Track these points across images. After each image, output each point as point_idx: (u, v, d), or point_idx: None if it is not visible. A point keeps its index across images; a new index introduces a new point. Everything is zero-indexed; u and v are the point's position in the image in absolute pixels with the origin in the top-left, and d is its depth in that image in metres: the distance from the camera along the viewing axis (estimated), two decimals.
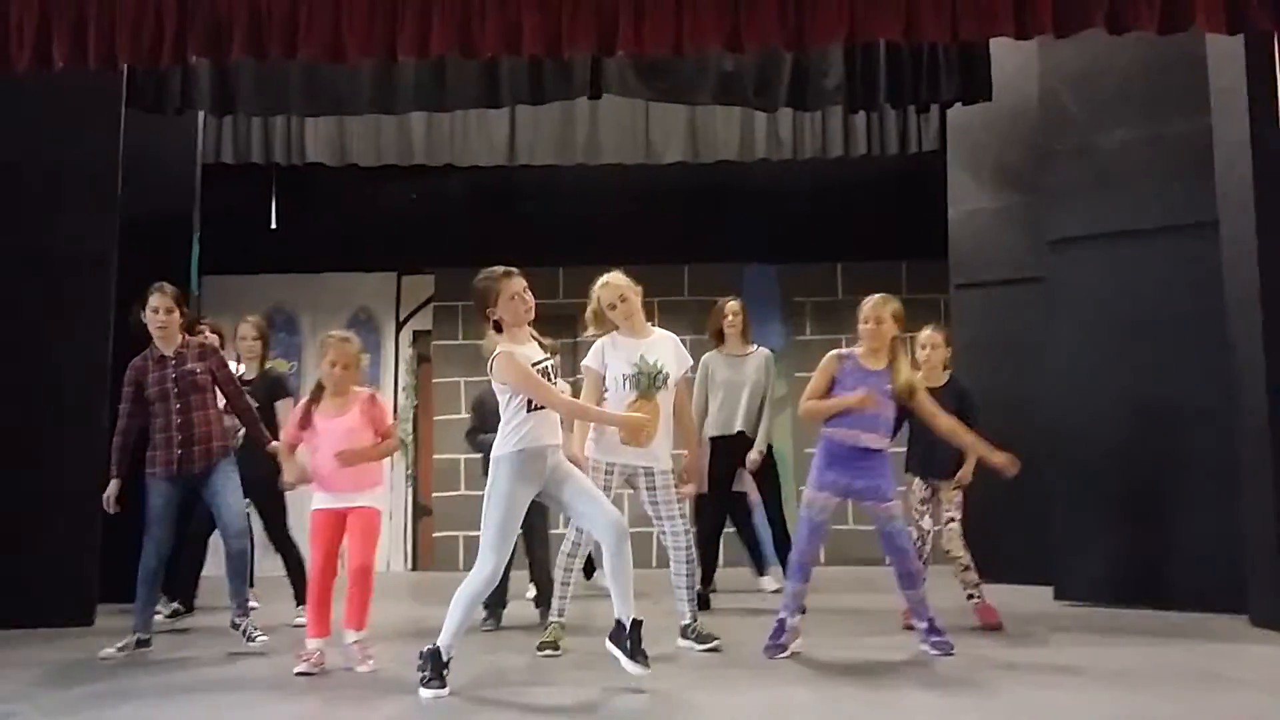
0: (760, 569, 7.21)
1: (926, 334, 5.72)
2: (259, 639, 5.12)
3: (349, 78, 6.78)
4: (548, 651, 4.83)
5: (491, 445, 4.26)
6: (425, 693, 3.99)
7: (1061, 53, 6.55)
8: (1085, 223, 6.50)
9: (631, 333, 5.06)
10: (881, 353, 4.80)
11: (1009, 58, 7.20)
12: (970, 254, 7.98)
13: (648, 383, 4.92)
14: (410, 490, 9.63)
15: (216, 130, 8.25)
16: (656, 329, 5.16)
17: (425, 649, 4.08)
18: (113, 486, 5.21)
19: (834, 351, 4.91)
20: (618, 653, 4.06)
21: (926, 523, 5.54)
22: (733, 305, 6.57)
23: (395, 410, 9.58)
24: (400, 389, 9.84)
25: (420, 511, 9.61)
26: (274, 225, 9.33)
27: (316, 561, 4.65)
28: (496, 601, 5.73)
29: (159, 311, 5.20)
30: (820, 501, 4.74)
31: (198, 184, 7.83)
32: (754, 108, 7.25)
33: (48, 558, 5.90)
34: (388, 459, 5.06)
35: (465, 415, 9.73)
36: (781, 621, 4.71)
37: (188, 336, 5.37)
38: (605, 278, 5.11)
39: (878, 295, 4.90)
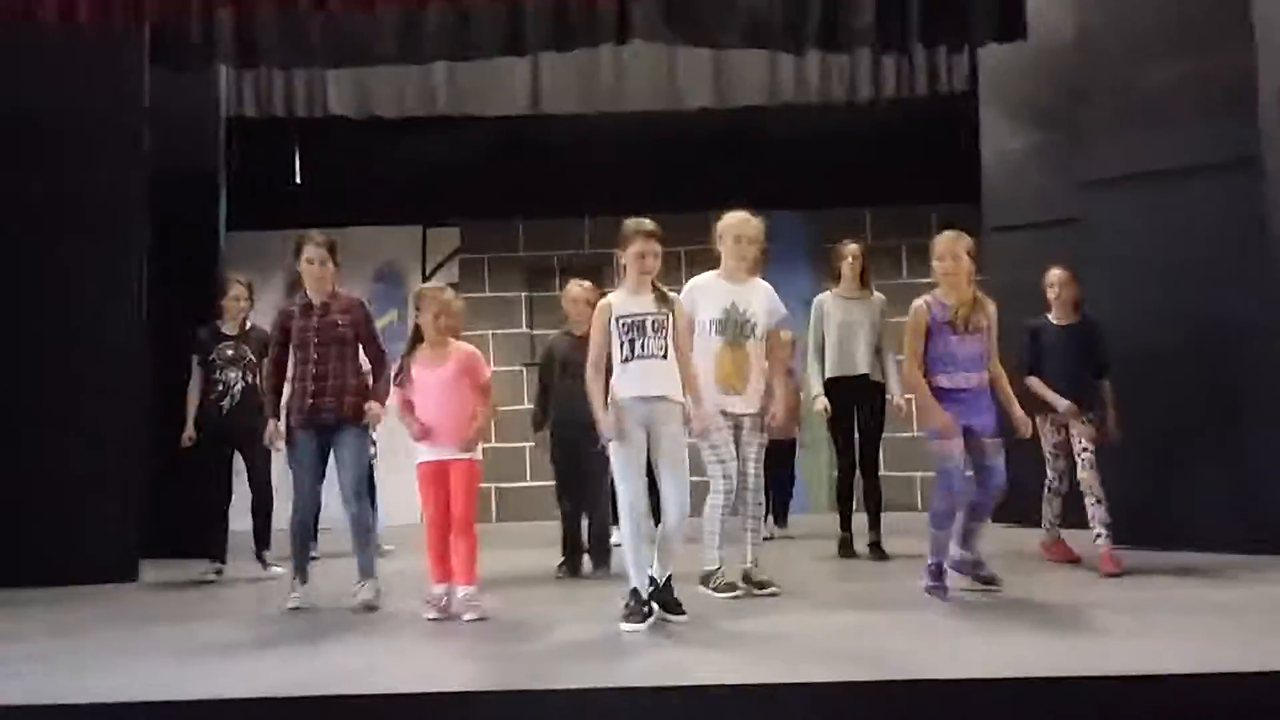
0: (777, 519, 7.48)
1: (1055, 273, 5.79)
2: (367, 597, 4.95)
3: (370, 27, 6.67)
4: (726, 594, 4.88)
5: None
6: (625, 626, 4.15)
7: None
8: (1122, 162, 6.37)
9: (728, 277, 5.04)
10: (961, 287, 4.78)
11: None
12: (1004, 197, 7.86)
13: (735, 331, 4.95)
14: None
15: (238, 84, 8.19)
16: (755, 277, 5.12)
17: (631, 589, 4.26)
18: (271, 425, 5.12)
19: (917, 303, 4.86)
20: (660, 611, 4.29)
21: (1061, 463, 5.66)
22: (853, 248, 6.45)
23: None
24: None
25: None
26: (298, 179, 9.30)
27: (429, 513, 4.70)
28: (572, 550, 5.80)
29: (314, 262, 5.08)
30: (950, 448, 4.69)
31: (222, 139, 7.79)
32: (781, 50, 7.11)
33: (88, 514, 5.95)
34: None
35: (493, 368, 9.79)
36: (938, 565, 4.75)
37: (338, 289, 5.19)
38: (746, 215, 5.10)
39: (949, 231, 4.88)
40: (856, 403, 6.30)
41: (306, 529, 5.12)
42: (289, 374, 5.09)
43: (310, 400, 4.98)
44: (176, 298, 6.82)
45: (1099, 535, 5.36)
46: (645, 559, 4.29)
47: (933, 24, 6.78)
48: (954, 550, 4.80)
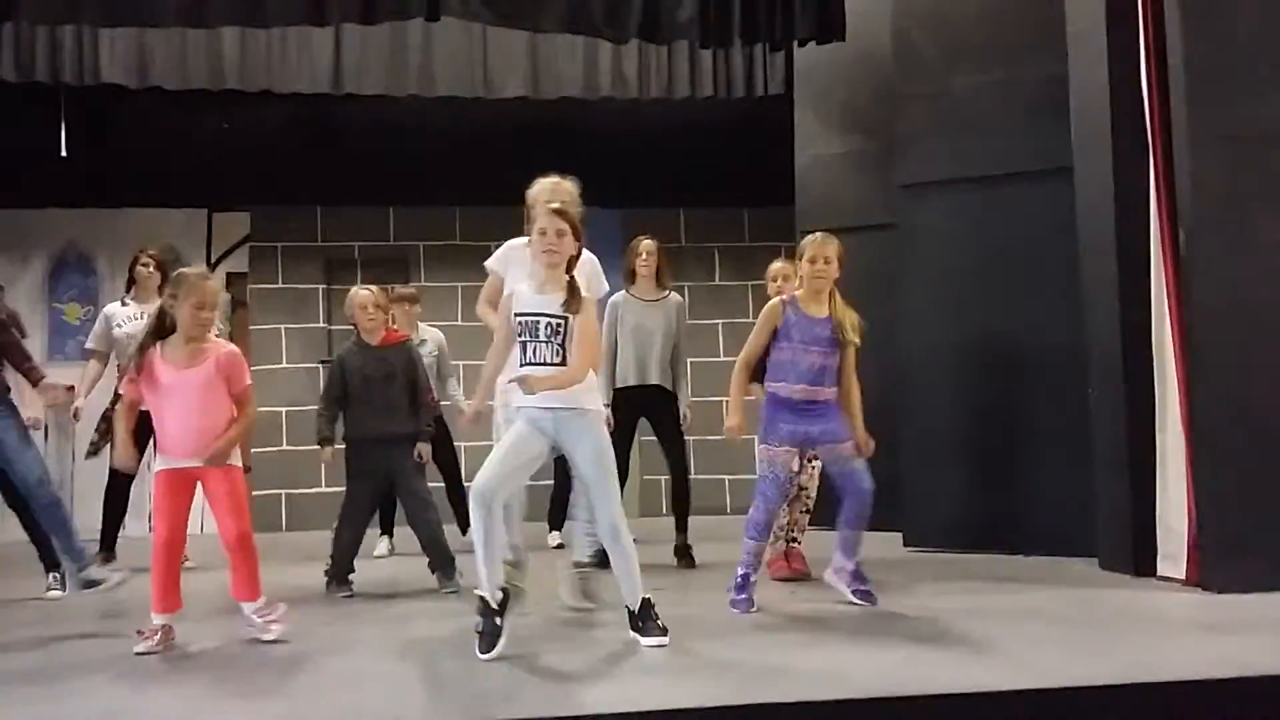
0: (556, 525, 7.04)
1: (777, 266, 5.52)
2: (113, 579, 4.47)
3: None
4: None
5: None
6: (481, 655, 3.60)
7: None
8: (937, 168, 6.42)
9: None
10: (823, 295, 4.51)
11: None
12: (817, 200, 7.83)
13: None
14: None
15: None
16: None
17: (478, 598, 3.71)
18: None
19: (775, 299, 4.61)
20: (636, 636, 3.81)
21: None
22: (648, 245, 6.05)
23: None
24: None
25: None
26: (64, 153, 8.38)
27: (162, 531, 4.03)
28: (346, 569, 5.24)
29: None
30: (782, 458, 4.48)
31: None
32: (603, 37, 6.83)
33: None
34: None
35: (287, 365, 9.15)
36: (745, 577, 4.45)
37: None
38: (557, 179, 4.54)
39: (819, 233, 4.59)
40: (648, 413, 6.03)
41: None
42: None
43: None
44: None
45: (795, 539, 5.34)
46: (497, 558, 3.74)
47: (754, 21, 6.68)
48: (836, 558, 4.54)
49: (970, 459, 6.17)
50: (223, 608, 4.42)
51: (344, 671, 3.55)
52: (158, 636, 3.96)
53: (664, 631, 3.80)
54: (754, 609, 4.41)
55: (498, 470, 3.73)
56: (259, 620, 4.08)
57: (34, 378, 4.82)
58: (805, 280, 4.54)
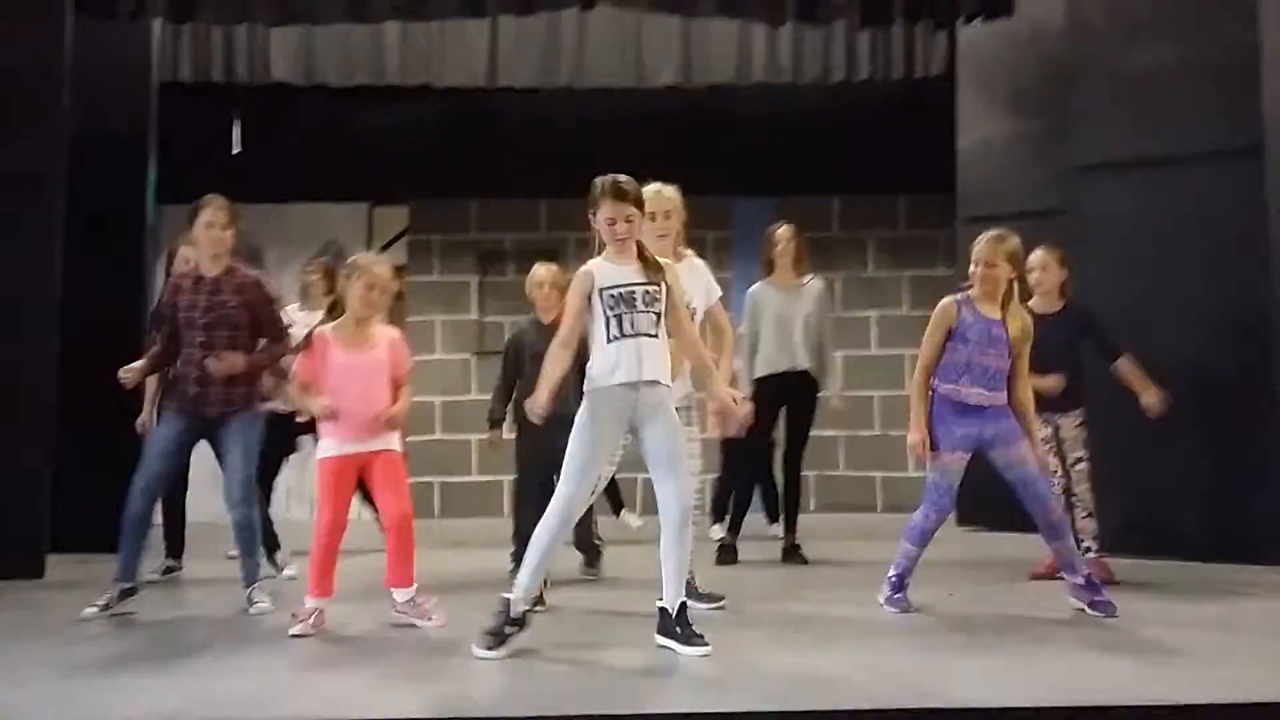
0: (773, 516, 6.90)
1: (1038, 255, 5.24)
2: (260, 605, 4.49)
3: None
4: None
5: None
6: (477, 651, 3.55)
7: None
8: (1115, 149, 6.05)
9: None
10: (996, 297, 4.36)
11: None
12: (980, 186, 7.53)
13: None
14: None
15: (174, 45, 7.65)
16: (687, 254, 4.50)
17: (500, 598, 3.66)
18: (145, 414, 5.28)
19: (948, 298, 4.43)
20: (671, 643, 3.61)
21: (1053, 461, 5.07)
22: (783, 232, 5.98)
23: None
24: None
25: None
26: (236, 150, 8.73)
27: (328, 516, 4.12)
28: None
29: (214, 226, 4.54)
30: (956, 463, 4.32)
31: (153, 101, 7.22)
32: (760, 20, 6.72)
33: None
34: None
35: (441, 356, 9.34)
36: (899, 578, 4.36)
37: (237, 263, 4.63)
38: (658, 186, 4.41)
39: (990, 234, 4.42)
40: (786, 401, 5.91)
41: (142, 520, 4.48)
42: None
43: (196, 389, 4.49)
44: (96, 275, 6.25)
45: (1089, 548, 5.01)
46: (543, 574, 3.72)
47: None
48: (1067, 577, 4.34)
49: (1147, 460, 5.79)
50: (373, 592, 4.48)
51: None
52: (311, 619, 4.04)
53: (704, 639, 3.59)
54: (911, 609, 4.28)
55: (586, 483, 3.70)
56: (412, 608, 4.13)
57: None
58: (975, 283, 4.38)
